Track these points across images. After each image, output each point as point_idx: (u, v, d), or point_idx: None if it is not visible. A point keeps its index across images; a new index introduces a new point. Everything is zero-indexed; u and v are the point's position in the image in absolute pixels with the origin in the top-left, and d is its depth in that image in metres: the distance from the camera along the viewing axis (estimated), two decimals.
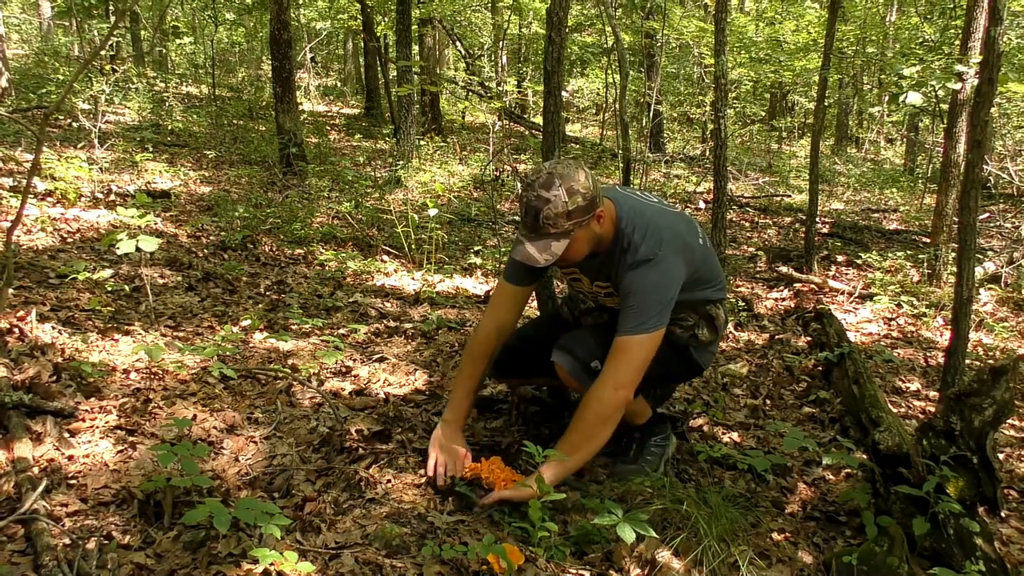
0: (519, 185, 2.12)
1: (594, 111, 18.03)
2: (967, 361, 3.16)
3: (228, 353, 2.94)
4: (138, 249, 3.06)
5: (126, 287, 3.67)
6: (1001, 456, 2.99)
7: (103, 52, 9.89)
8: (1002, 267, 6.02)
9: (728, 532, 2.03)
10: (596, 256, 2.24)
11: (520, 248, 2.11)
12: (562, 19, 4.16)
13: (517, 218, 7.12)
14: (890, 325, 4.90)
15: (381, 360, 3.19)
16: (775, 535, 2.20)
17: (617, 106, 7.95)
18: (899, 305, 5.16)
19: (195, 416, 2.42)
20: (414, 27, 10.75)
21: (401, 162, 8.19)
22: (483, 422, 2.66)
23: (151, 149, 7.49)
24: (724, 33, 5.22)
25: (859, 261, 6.53)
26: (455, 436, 2.28)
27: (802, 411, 3.36)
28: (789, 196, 10.06)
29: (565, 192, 2.03)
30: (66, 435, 2.21)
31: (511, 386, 2.74)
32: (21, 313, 2.86)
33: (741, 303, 4.92)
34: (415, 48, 12.10)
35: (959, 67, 4.88)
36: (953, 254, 5.08)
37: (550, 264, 2.12)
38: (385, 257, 5.30)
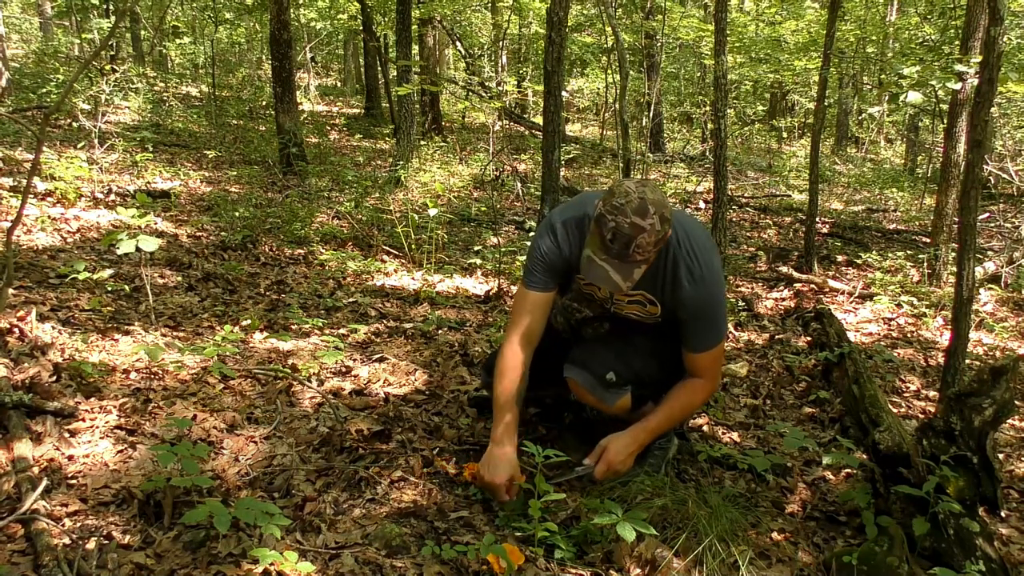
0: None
1: (594, 111, 18.03)
2: (967, 361, 3.16)
3: (228, 353, 2.94)
4: (138, 249, 3.06)
5: (126, 287, 3.67)
6: (1001, 456, 2.99)
7: (103, 52, 9.89)
8: (1002, 267, 6.02)
9: (728, 532, 2.03)
10: None
11: (600, 271, 2.01)
12: (562, 19, 4.17)
13: (518, 217, 7.13)
14: (890, 325, 4.90)
15: (381, 360, 3.19)
16: (775, 535, 2.20)
17: (617, 106, 7.95)
18: (899, 305, 5.16)
19: (195, 416, 2.42)
20: (414, 27, 10.74)
21: (401, 162, 8.19)
22: (483, 422, 2.66)
23: (151, 149, 7.49)
24: (724, 33, 5.23)
25: (859, 261, 6.53)
26: (509, 461, 2.17)
27: (802, 411, 3.36)
28: (789, 196, 10.05)
29: (659, 220, 1.96)
30: (66, 435, 2.21)
31: None
32: (21, 313, 2.86)
33: (741, 303, 4.91)
34: (415, 48, 12.10)
35: (959, 67, 4.87)
36: (953, 254, 5.08)
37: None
38: (385, 257, 5.30)
